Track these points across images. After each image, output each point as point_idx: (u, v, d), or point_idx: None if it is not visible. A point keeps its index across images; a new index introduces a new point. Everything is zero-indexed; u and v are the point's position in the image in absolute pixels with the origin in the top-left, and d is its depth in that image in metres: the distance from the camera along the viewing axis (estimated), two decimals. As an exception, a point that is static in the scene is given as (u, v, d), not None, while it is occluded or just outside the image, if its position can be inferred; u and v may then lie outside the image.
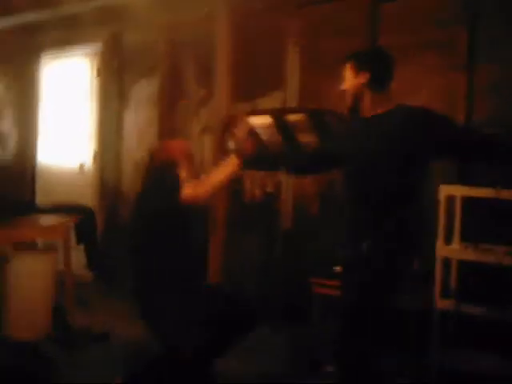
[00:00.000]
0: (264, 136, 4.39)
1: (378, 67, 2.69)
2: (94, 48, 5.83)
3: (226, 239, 4.66)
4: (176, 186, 3.00)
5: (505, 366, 3.26)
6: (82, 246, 4.55)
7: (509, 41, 3.65)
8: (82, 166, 5.85)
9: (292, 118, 4.33)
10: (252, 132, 3.29)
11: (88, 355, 3.61)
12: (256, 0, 4.60)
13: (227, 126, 4.63)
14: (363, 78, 2.66)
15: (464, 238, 3.55)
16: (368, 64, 2.68)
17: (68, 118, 6.07)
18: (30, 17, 5.74)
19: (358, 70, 2.67)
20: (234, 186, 4.69)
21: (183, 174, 3.04)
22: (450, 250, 3.50)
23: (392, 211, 2.54)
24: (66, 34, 6.01)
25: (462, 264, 3.51)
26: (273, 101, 4.63)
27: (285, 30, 4.54)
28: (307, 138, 4.10)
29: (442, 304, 3.43)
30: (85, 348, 3.71)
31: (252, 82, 4.75)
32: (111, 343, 3.80)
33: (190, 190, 2.99)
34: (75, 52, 6.03)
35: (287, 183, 4.49)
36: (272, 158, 4.36)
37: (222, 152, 4.56)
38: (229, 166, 3.01)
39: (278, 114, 4.38)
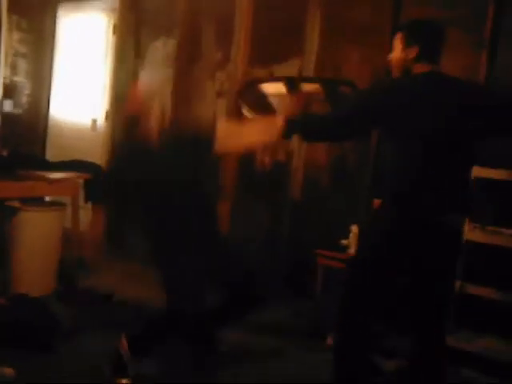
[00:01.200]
0: (277, 104, 4.35)
1: (428, 41, 2.58)
2: (112, 3, 5.74)
3: (234, 205, 4.66)
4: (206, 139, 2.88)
5: (505, 349, 3.27)
6: (90, 205, 4.56)
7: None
8: (94, 123, 5.83)
9: (307, 87, 4.27)
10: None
11: (91, 314, 3.63)
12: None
13: (242, 91, 4.58)
14: (412, 53, 2.56)
15: (473, 219, 3.52)
16: (418, 37, 2.57)
17: (82, 74, 6.02)
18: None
19: (408, 43, 2.57)
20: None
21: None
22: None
23: None
24: (84, -13, 5.95)
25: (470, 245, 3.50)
26: (290, 68, 4.56)
27: (307, -4, 4.46)
28: (320, 108, 4.05)
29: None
30: (88, 307, 3.74)
31: (270, 48, 4.68)
32: (114, 304, 3.83)
33: (223, 141, 2.86)
34: (93, 6, 5.95)
35: (298, 152, 4.46)
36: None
37: (235, 116, 4.53)
38: (273, 128, 2.74)
39: (293, 82, 4.31)
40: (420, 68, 2.56)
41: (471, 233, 3.42)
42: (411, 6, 4.03)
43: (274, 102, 4.38)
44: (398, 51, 2.61)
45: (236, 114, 4.55)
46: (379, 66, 4.10)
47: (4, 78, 5.93)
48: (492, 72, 3.68)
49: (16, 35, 5.98)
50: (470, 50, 3.78)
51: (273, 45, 4.66)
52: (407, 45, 2.57)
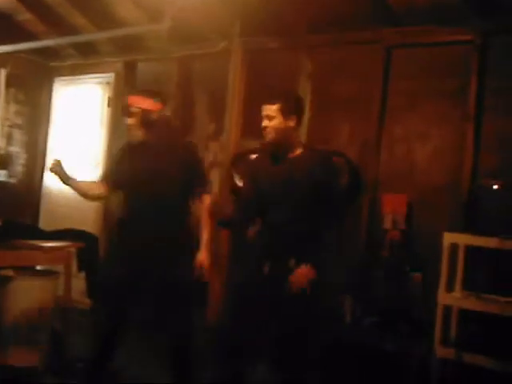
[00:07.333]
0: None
1: (302, 112, 3.09)
2: (107, 77, 5.90)
3: (227, 276, 4.64)
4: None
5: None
6: (83, 274, 4.54)
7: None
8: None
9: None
10: None
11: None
12: (271, 39, 4.69)
13: (234, 162, 4.66)
14: (292, 122, 2.95)
15: (466, 286, 3.55)
16: (297, 109, 3.01)
17: (77, 144, 6.11)
18: (45, 42, 5.85)
19: (289, 113, 2.94)
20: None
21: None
22: (452, 297, 3.49)
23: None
24: (80, 62, 6.12)
25: (464, 313, 3.51)
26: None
27: (297, 71, 4.61)
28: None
29: (442, 352, 3.41)
30: (79, 377, 3.66)
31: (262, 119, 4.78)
32: (106, 374, 3.75)
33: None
34: (88, 80, 6.11)
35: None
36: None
37: (229, 187, 4.59)
38: None
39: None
40: (298, 138, 3.11)
41: (465, 301, 3.44)
42: (398, 80, 4.18)
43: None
44: (278, 120, 2.95)
45: (229, 184, 4.62)
46: (368, 137, 4.24)
47: (-1, 148, 6.04)
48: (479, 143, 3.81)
49: (13, 107, 6.12)
50: (457, 122, 3.91)
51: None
52: (288, 115, 2.94)
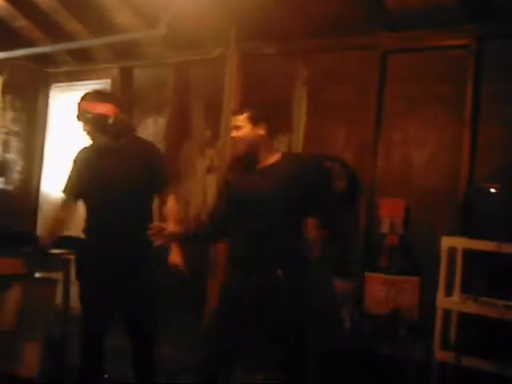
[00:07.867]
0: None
1: (271, 119, 2.97)
2: (104, 84, 5.89)
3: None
4: None
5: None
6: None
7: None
8: (84, 200, 5.86)
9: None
10: None
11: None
12: (266, 45, 4.70)
13: (231, 167, 4.66)
14: (262, 129, 2.87)
15: (464, 290, 3.55)
16: (266, 116, 2.91)
17: (73, 151, 6.09)
18: (42, 49, 5.85)
19: (257, 120, 2.87)
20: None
21: None
22: (451, 301, 3.50)
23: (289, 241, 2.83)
24: (77, 68, 6.12)
25: (463, 316, 3.51)
26: (278, 145, 4.67)
27: (293, 76, 4.62)
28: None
29: (441, 356, 3.42)
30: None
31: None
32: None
33: None
34: (84, 86, 6.10)
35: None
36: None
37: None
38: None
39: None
40: (271, 143, 2.94)
41: (464, 304, 3.45)
42: (394, 85, 4.20)
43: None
44: (246, 129, 2.86)
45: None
46: (365, 142, 4.25)
47: (-4, 155, 6.04)
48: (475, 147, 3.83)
49: (9, 114, 6.12)
50: (453, 126, 3.93)
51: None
52: (256, 123, 2.86)
